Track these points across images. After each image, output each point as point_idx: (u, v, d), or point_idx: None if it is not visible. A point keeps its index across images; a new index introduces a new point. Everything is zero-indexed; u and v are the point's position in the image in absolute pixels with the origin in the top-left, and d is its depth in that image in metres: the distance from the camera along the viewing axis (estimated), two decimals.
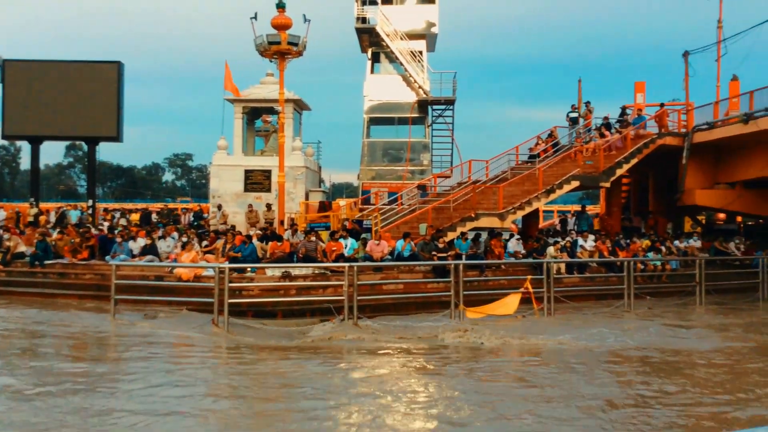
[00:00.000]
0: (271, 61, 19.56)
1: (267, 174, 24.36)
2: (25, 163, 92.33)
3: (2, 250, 18.37)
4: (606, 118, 26.11)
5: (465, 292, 14.99)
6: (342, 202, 29.34)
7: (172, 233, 19.61)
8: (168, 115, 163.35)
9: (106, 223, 24.12)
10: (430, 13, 29.45)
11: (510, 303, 15.19)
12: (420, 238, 18.46)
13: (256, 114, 26.56)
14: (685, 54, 26.17)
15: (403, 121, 29.43)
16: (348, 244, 17.71)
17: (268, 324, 14.25)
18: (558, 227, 25.92)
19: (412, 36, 29.10)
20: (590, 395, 8.82)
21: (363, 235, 18.90)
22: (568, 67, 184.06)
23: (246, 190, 24.60)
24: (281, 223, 20.06)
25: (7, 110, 26.29)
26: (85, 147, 31.56)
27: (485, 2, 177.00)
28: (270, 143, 25.96)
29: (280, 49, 18.69)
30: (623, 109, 26.69)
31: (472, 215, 20.05)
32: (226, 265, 14.24)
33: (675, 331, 14.00)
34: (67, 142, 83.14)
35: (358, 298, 14.01)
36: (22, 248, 18.60)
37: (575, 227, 24.16)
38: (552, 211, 45.41)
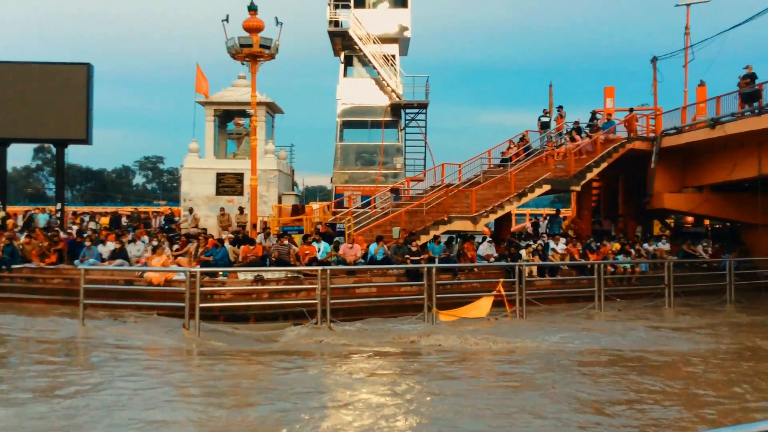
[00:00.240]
0: (243, 64, 19.47)
1: (239, 177, 24.19)
2: None
3: None
4: (576, 122, 26.42)
5: (438, 295, 15.04)
6: (315, 205, 29.27)
7: (143, 237, 19.38)
8: (139, 118, 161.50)
9: (75, 227, 23.72)
10: (403, 17, 29.52)
11: (482, 306, 15.26)
12: (393, 242, 18.48)
13: (228, 117, 26.37)
14: (654, 60, 26.59)
15: (376, 125, 29.44)
16: (321, 248, 17.67)
17: (240, 328, 14.15)
18: (530, 230, 26.13)
19: (385, 40, 29.13)
20: (563, 394, 8.91)
21: (336, 239, 18.88)
22: (540, 71, 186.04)
23: (218, 193, 24.40)
24: (254, 226, 19.94)
25: None
26: (54, 149, 31.04)
27: (457, 7, 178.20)
28: (242, 146, 25.80)
29: (251, 51, 18.60)
30: (593, 113, 27.01)
31: (445, 219, 20.13)
32: (198, 269, 14.10)
33: (648, 332, 14.19)
34: (36, 145, 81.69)
35: (331, 301, 13.97)
36: None
37: (547, 230, 24.38)
38: (524, 215, 45.74)
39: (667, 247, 22.44)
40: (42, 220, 25.20)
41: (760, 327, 15.35)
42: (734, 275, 19.37)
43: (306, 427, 7.50)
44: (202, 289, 13.29)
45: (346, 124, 29.87)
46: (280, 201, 24.68)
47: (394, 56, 29.32)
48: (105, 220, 26.58)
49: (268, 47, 18.68)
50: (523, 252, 18.97)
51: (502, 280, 15.98)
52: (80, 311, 13.66)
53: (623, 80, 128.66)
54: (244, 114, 24.72)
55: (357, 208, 23.58)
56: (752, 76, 20.41)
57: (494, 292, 15.55)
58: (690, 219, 29.43)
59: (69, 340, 12.58)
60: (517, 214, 34.48)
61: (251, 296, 15.39)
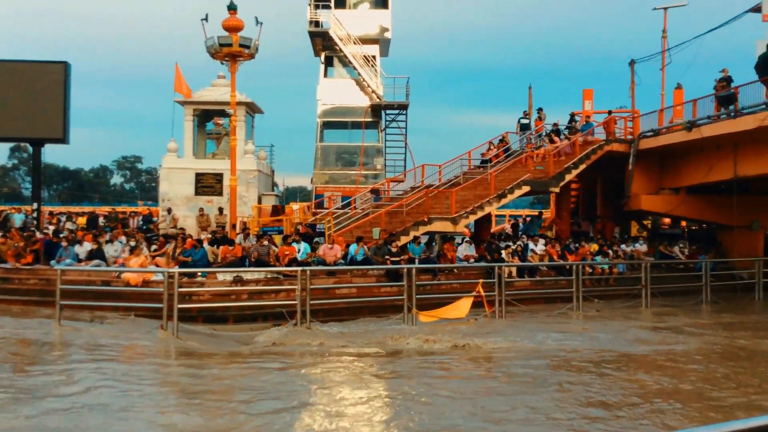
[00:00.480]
0: (222, 63, 19.36)
1: (218, 177, 24.03)
2: None
3: None
4: (555, 124, 26.61)
5: (418, 296, 15.06)
6: (295, 206, 29.17)
7: (120, 237, 19.19)
8: (117, 117, 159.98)
9: (52, 227, 23.40)
10: (383, 18, 29.55)
11: (462, 306, 15.31)
12: (373, 242, 18.48)
13: (207, 116, 26.19)
14: (632, 63, 26.79)
15: (356, 126, 29.43)
16: (301, 248, 17.62)
17: (218, 329, 14.07)
18: (510, 231, 26.27)
19: (366, 40, 29.13)
20: (545, 392, 8.96)
21: (316, 239, 18.84)
22: (519, 73, 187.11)
23: (197, 193, 24.22)
24: (233, 227, 19.83)
25: None
26: (30, 149, 30.61)
27: (438, 9, 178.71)
28: (222, 146, 25.64)
29: (231, 51, 18.50)
30: (572, 115, 27.23)
31: (425, 219, 20.16)
32: (176, 269, 13.99)
33: (627, 333, 14.32)
34: (11, 144, 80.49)
35: (311, 302, 13.94)
36: None
37: (527, 231, 24.56)
38: (504, 216, 46.00)
39: (644, 248, 22.68)
40: (18, 220, 24.85)
41: (736, 327, 15.56)
42: (710, 276, 19.62)
43: (285, 429, 7.47)
44: (180, 289, 13.18)
45: (327, 125, 29.82)
46: (259, 201, 24.57)
47: (374, 57, 29.33)
48: (82, 220, 26.28)
49: (248, 47, 18.59)
50: (502, 253, 19.06)
51: (481, 280, 16.04)
52: (56, 312, 13.48)
53: (602, 83, 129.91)
54: (223, 114, 24.57)
55: (337, 208, 23.55)
56: (728, 80, 20.67)
57: (474, 293, 15.61)
58: (667, 220, 29.75)
59: (44, 341, 12.40)
60: (497, 215, 34.64)
61: (230, 297, 15.31)
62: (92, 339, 12.43)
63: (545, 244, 20.77)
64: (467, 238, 21.06)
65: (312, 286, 14.27)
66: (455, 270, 18.25)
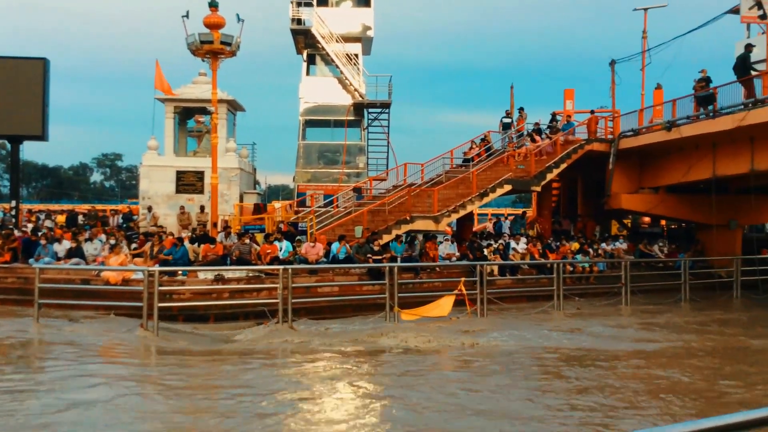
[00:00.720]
0: (203, 61, 19.22)
1: (199, 175, 23.87)
2: None
3: None
4: (537, 124, 26.75)
5: (400, 295, 15.09)
6: (277, 204, 29.05)
7: (100, 235, 19.01)
8: (97, 114, 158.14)
9: (30, 225, 23.14)
10: (366, 16, 29.50)
11: (444, 305, 15.34)
12: (355, 241, 18.46)
13: (188, 114, 26.01)
14: (612, 63, 27.00)
15: (338, 124, 29.36)
16: (283, 247, 17.56)
17: (199, 328, 13.98)
18: (491, 230, 26.36)
19: (348, 39, 29.08)
20: (524, 389, 9.01)
21: (298, 238, 18.78)
22: (501, 73, 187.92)
23: (177, 191, 24.03)
24: (214, 225, 19.72)
25: None
26: (9, 146, 30.19)
27: (420, 9, 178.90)
28: (203, 144, 25.48)
29: (212, 48, 18.37)
30: (553, 115, 27.39)
31: (408, 218, 20.19)
32: (156, 268, 13.89)
33: (603, 332, 14.43)
34: None
35: (293, 300, 13.90)
36: None
37: (509, 230, 24.68)
38: (486, 214, 46.18)
39: (624, 246, 22.88)
40: None
41: (712, 325, 15.75)
42: (689, 274, 19.85)
43: (267, 428, 7.45)
44: (160, 288, 13.09)
45: (309, 123, 29.73)
46: (241, 199, 24.44)
47: (357, 55, 29.28)
48: (61, 219, 25.98)
49: (230, 44, 18.48)
50: (484, 251, 19.13)
51: (463, 279, 16.08)
52: (35, 311, 13.34)
53: (583, 83, 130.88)
54: (204, 111, 24.41)
55: (319, 207, 23.49)
56: (707, 80, 20.89)
57: (456, 291, 15.65)
58: (647, 219, 30.03)
59: (22, 340, 12.26)
60: (479, 214, 34.78)
61: (211, 296, 15.23)
62: (71, 338, 12.31)
63: (527, 243, 20.88)
64: (449, 237, 21.10)
65: (294, 285, 14.24)
66: (437, 268, 18.30)
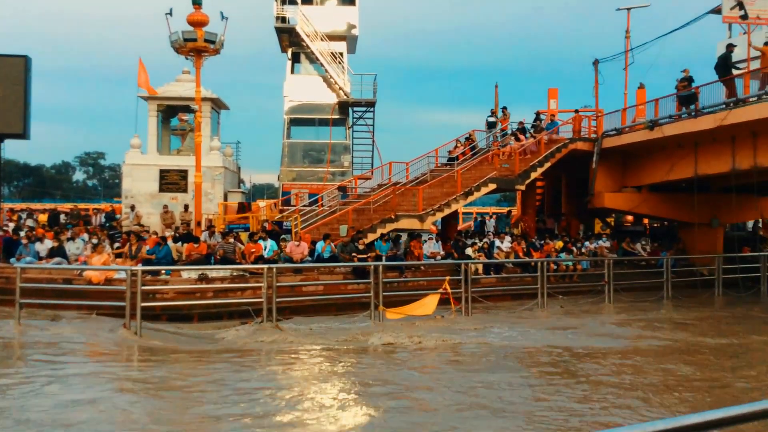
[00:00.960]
0: (187, 59, 19.13)
1: (183, 174, 23.74)
2: None
3: None
4: (521, 123, 26.87)
5: (385, 293, 15.08)
6: (262, 203, 28.97)
7: (82, 235, 18.84)
8: (79, 113, 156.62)
9: (12, 224, 22.87)
10: (351, 14, 29.48)
11: (429, 303, 15.36)
12: (340, 240, 18.45)
13: (171, 112, 25.85)
14: (596, 62, 27.21)
15: (323, 123, 29.34)
16: (267, 246, 17.50)
17: (183, 328, 13.89)
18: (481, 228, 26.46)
19: (333, 37, 29.06)
20: (507, 388, 9.04)
21: (282, 237, 18.73)
22: (486, 72, 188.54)
23: (161, 190, 23.90)
24: (198, 224, 19.62)
25: None
26: None
27: (404, 7, 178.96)
28: (186, 142, 25.34)
29: (196, 46, 18.29)
30: (537, 114, 27.52)
31: (393, 217, 20.20)
32: (139, 267, 13.78)
33: (586, 330, 14.53)
34: None
35: (278, 299, 13.85)
36: None
37: (494, 229, 24.79)
38: (471, 213, 46.35)
39: (607, 245, 23.04)
40: None
41: (693, 323, 15.89)
42: (671, 273, 20.03)
43: (252, 428, 7.42)
44: (143, 287, 12.97)
45: (294, 122, 29.67)
46: (225, 198, 24.34)
47: (341, 54, 29.27)
48: (43, 218, 25.71)
49: (213, 42, 18.40)
50: (469, 250, 19.18)
51: (448, 278, 16.11)
52: (16, 311, 13.17)
53: (567, 82, 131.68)
54: (188, 109, 24.29)
55: (304, 205, 23.45)
56: (689, 80, 21.07)
57: (440, 290, 15.68)
58: (630, 218, 30.25)
59: (3, 341, 12.12)
60: (464, 213, 34.89)
61: (195, 295, 15.15)
62: (53, 338, 12.18)
63: (511, 242, 20.97)
64: (434, 236, 21.14)
65: (278, 284, 14.19)
66: (422, 267, 18.32)
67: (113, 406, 8.18)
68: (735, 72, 20.36)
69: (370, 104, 29.51)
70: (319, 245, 17.68)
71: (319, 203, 23.28)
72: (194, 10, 18.23)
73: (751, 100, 18.83)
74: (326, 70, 28.68)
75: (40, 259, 16.97)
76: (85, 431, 7.15)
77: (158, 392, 8.91)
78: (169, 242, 17.17)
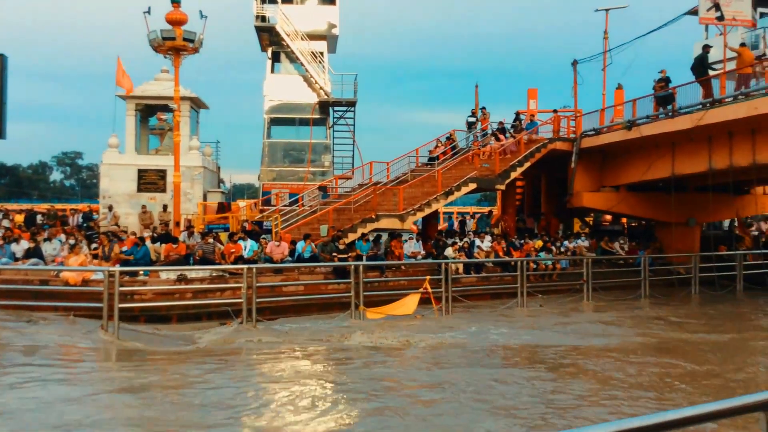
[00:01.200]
0: (165, 57, 18.96)
1: (162, 174, 23.54)
2: None
3: None
4: (501, 123, 26.98)
5: (365, 293, 15.09)
6: (242, 203, 28.83)
7: (59, 235, 18.62)
8: (56, 112, 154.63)
9: None
10: (331, 14, 29.43)
11: (409, 303, 15.38)
12: (321, 240, 18.40)
13: (150, 111, 25.62)
14: (574, 63, 27.37)
15: (304, 122, 29.26)
16: (247, 246, 17.41)
17: (161, 329, 13.78)
18: (456, 228, 26.52)
19: (313, 36, 28.98)
20: (485, 387, 9.07)
21: (263, 237, 18.65)
22: (466, 73, 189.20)
23: (139, 190, 23.68)
24: (177, 224, 19.46)
25: None
26: None
27: (385, 8, 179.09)
28: (165, 142, 25.13)
29: (175, 45, 18.13)
30: (517, 114, 27.66)
31: (373, 216, 20.18)
32: (117, 268, 13.64)
33: (564, 328, 14.62)
34: None
35: (258, 300, 13.79)
36: None
37: (468, 229, 24.88)
38: (452, 213, 46.47)
39: (586, 244, 23.21)
40: None
41: (669, 321, 16.07)
42: (649, 271, 20.25)
43: (230, 429, 7.38)
44: (121, 288, 12.86)
45: (274, 121, 29.57)
46: (205, 198, 24.18)
47: (322, 53, 29.21)
48: (19, 218, 25.38)
49: (192, 41, 18.25)
50: (449, 250, 19.23)
51: (428, 277, 16.15)
52: None
53: (546, 82, 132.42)
54: (166, 109, 24.07)
55: (285, 205, 23.37)
56: (666, 80, 21.29)
57: (421, 290, 15.71)
58: (608, 217, 30.49)
59: None
60: (444, 212, 34.96)
61: (174, 296, 15.02)
62: (29, 340, 12.01)
63: (491, 241, 21.06)
64: (414, 235, 21.16)
65: (258, 284, 14.13)
66: (402, 267, 18.34)
67: (91, 407, 8.09)
68: (711, 73, 20.61)
69: (351, 104, 29.49)
70: (300, 245, 17.63)
71: (300, 203, 23.21)
72: (173, 9, 18.07)
73: (727, 100, 19.08)
74: (306, 70, 28.61)
75: (16, 260, 16.74)
76: None
77: (136, 394, 8.82)
78: (148, 243, 17.03)
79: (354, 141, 30.17)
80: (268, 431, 7.36)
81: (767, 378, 10.31)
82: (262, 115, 29.53)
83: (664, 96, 21.10)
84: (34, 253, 16.82)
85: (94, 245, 17.96)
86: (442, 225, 28.70)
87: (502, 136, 25.75)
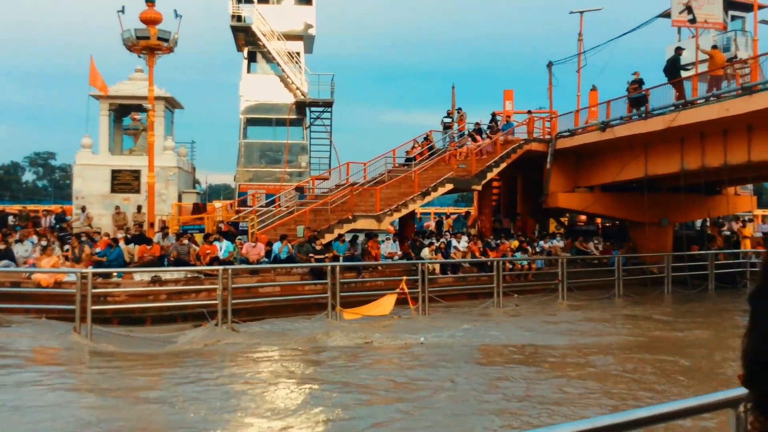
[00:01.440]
0: (140, 57, 18.78)
1: (136, 174, 23.29)
2: None
3: None
4: (477, 123, 27.09)
5: (342, 294, 15.07)
6: (218, 204, 28.61)
7: (31, 237, 18.33)
8: (28, 112, 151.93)
9: None
10: (307, 14, 29.30)
11: (386, 303, 15.40)
12: (297, 240, 18.34)
13: (124, 111, 25.34)
14: (549, 65, 27.55)
15: (280, 123, 29.10)
16: (223, 247, 17.28)
17: (135, 331, 13.63)
18: (434, 228, 26.59)
19: (290, 37, 28.83)
20: (464, 388, 9.10)
21: (239, 238, 18.54)
22: (443, 74, 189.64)
23: (113, 191, 23.41)
24: (151, 225, 19.27)
25: None
26: None
27: (362, 8, 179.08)
28: (139, 142, 24.88)
29: (149, 44, 17.96)
30: (493, 115, 27.79)
31: (350, 217, 20.16)
32: (89, 269, 13.48)
33: (542, 327, 14.73)
34: None
35: (233, 301, 13.70)
36: None
37: (451, 229, 24.93)
38: (429, 213, 46.52)
39: (561, 244, 23.38)
40: None
41: (644, 320, 16.27)
42: (622, 271, 20.46)
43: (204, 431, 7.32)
44: (94, 290, 12.71)
45: (250, 122, 29.38)
46: (180, 199, 23.97)
47: (298, 53, 29.07)
48: None
49: (167, 40, 18.09)
50: (426, 250, 19.27)
51: (405, 278, 16.17)
52: None
53: (522, 83, 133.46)
54: (140, 109, 23.86)
55: (261, 206, 23.24)
56: (640, 82, 21.54)
57: (398, 290, 15.72)
58: (583, 217, 30.75)
59: None
60: (422, 213, 35.01)
61: (148, 298, 14.87)
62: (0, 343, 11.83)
63: (468, 241, 21.13)
64: (391, 236, 21.18)
65: (234, 285, 14.04)
66: (379, 267, 18.33)
67: (63, 410, 7.97)
68: (684, 75, 20.89)
69: (328, 104, 29.40)
70: (276, 246, 17.54)
71: (276, 204, 23.10)
72: (147, 8, 17.89)
73: (699, 102, 19.35)
74: (283, 70, 28.46)
75: None
76: None
77: (109, 397, 8.72)
78: (121, 244, 16.84)
79: (331, 141, 30.12)
80: None
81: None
82: (238, 116, 29.34)
83: (637, 98, 21.35)
84: (5, 254, 16.53)
85: (66, 247, 17.71)
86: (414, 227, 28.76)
87: (478, 137, 25.87)
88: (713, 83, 19.50)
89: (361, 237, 20.27)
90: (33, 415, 7.72)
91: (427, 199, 22.33)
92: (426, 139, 26.99)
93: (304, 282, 16.72)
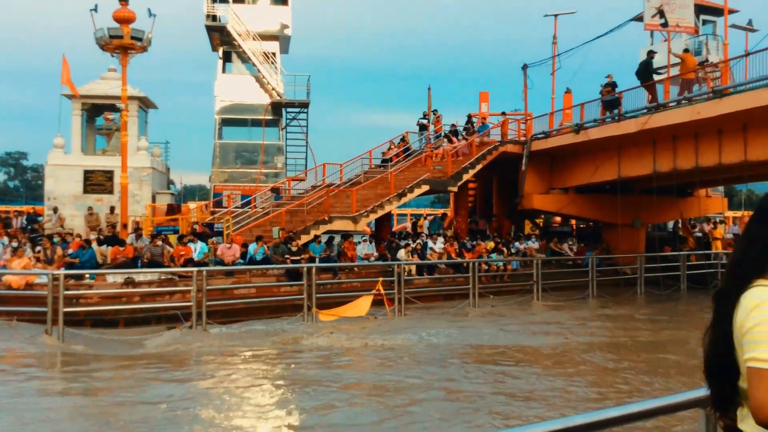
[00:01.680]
0: (113, 56, 18.56)
1: (109, 175, 22.99)
2: None
3: None
4: (454, 125, 27.21)
5: (318, 295, 15.04)
6: (193, 204, 28.37)
7: (1, 238, 18.02)
8: None
9: None
10: (283, 14, 29.18)
11: (362, 305, 15.39)
12: (273, 242, 18.25)
13: (97, 111, 25.00)
14: (524, 67, 27.75)
15: (256, 123, 28.95)
16: (197, 248, 17.12)
17: (108, 333, 13.46)
18: (410, 230, 26.65)
19: (265, 37, 28.69)
20: (438, 388, 9.13)
21: (213, 239, 18.39)
22: (419, 75, 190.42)
23: (86, 191, 23.08)
24: (124, 226, 19.05)
25: None
26: None
27: (337, 8, 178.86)
28: (112, 142, 24.56)
29: (122, 43, 17.75)
30: (469, 117, 27.92)
31: (326, 218, 20.13)
32: (61, 271, 13.29)
33: (514, 328, 14.83)
34: None
35: (208, 303, 13.61)
36: None
37: (428, 230, 24.99)
38: (405, 214, 46.61)
39: (536, 245, 23.55)
40: None
41: (618, 319, 16.46)
42: (596, 272, 20.67)
43: None
44: (66, 292, 12.54)
45: (225, 122, 29.18)
46: (154, 200, 23.72)
47: (274, 54, 28.93)
48: None
49: (140, 39, 17.90)
50: (402, 251, 19.29)
51: (381, 279, 16.18)
52: None
53: (497, 86, 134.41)
54: (114, 108, 23.58)
55: (236, 207, 23.09)
56: (613, 85, 21.80)
57: (374, 291, 15.72)
58: (558, 219, 30.99)
59: None
60: (399, 214, 35.08)
61: (121, 299, 14.69)
62: None
63: (444, 243, 21.20)
64: (367, 237, 21.18)
65: (209, 287, 13.94)
66: (355, 269, 18.32)
67: (34, 413, 7.85)
68: (656, 78, 21.17)
69: (304, 105, 29.31)
70: (252, 247, 17.43)
71: (252, 205, 22.97)
72: (120, 7, 17.69)
73: (671, 105, 19.63)
74: (258, 70, 28.31)
75: None
76: None
77: (81, 400, 8.61)
78: (94, 245, 16.62)
79: (307, 142, 30.01)
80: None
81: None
82: (213, 116, 29.12)
83: (610, 100, 21.59)
84: None
85: (38, 248, 17.44)
86: (397, 227, 28.84)
87: (454, 139, 25.98)
88: (685, 86, 19.80)
89: (338, 238, 20.23)
90: (6, 419, 7.59)
91: (404, 200, 22.37)
92: (402, 140, 27.05)
93: (279, 283, 16.65)
